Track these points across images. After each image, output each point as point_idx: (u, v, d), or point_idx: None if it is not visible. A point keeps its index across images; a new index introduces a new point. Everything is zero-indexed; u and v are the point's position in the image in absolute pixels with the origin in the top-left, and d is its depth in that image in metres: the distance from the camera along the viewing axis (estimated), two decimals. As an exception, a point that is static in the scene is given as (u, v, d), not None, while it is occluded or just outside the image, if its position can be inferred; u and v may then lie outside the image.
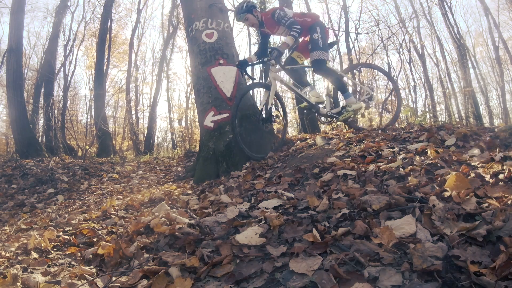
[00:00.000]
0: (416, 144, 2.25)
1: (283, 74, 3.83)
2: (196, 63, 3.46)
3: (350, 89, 3.46)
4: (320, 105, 3.29)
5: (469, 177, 1.44)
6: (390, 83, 4.09)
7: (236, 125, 2.86)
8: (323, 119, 3.38)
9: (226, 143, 3.06)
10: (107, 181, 4.58)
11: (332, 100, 3.40)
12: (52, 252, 1.59)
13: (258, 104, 3.82)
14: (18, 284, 1.13)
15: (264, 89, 3.15)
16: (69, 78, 14.81)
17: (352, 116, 3.24)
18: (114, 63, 16.95)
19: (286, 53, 3.48)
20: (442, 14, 12.52)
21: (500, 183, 1.35)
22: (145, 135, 13.48)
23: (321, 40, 3.06)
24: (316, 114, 3.45)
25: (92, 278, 1.15)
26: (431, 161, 1.78)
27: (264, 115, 3.08)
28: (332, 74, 3.25)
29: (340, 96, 3.51)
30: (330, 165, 2.13)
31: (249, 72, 3.34)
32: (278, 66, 3.20)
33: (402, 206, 1.28)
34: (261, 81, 3.32)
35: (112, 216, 2.29)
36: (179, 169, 4.67)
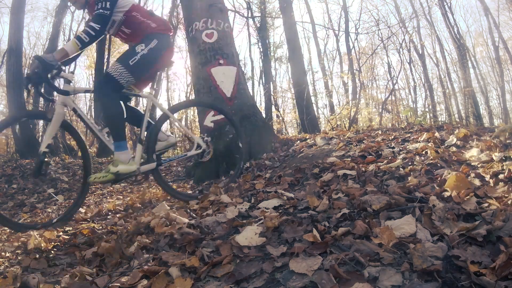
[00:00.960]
0: (416, 144, 2.25)
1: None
2: (196, 63, 3.46)
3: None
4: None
5: (469, 177, 1.44)
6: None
7: (90, 170, 2.19)
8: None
9: (226, 143, 3.06)
10: (107, 181, 4.57)
11: (144, 148, 2.21)
12: (52, 252, 1.59)
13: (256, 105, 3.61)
14: (18, 284, 1.13)
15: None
16: (69, 78, 14.80)
17: (110, 181, 2.02)
18: (114, 63, 16.95)
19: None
20: (442, 14, 12.54)
21: (500, 183, 1.35)
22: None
23: (140, 59, 2.03)
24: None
25: (92, 278, 1.15)
26: (431, 161, 1.78)
27: (38, 163, 1.99)
28: (110, 105, 2.05)
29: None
30: (330, 165, 2.13)
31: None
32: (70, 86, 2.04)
33: (402, 206, 1.28)
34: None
35: (112, 216, 2.29)
36: (179, 169, 4.67)
